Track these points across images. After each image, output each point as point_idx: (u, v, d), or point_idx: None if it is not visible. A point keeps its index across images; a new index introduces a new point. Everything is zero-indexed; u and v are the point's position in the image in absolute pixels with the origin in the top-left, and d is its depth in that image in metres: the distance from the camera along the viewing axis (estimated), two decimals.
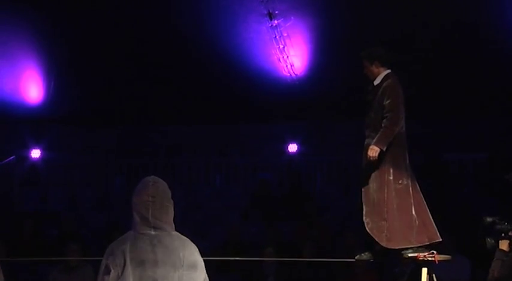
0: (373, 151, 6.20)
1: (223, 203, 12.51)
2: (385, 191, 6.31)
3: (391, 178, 6.31)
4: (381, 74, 6.47)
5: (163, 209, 4.04)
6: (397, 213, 6.31)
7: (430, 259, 6.34)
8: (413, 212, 6.33)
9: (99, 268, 3.97)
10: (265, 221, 11.50)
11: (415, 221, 6.32)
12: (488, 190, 11.40)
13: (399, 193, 6.32)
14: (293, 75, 11.25)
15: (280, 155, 12.81)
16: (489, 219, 6.34)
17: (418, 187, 6.46)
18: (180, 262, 3.97)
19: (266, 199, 11.90)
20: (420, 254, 6.36)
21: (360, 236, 8.58)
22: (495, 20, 10.24)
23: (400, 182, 6.32)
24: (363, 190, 6.40)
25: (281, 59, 10.98)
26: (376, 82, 6.47)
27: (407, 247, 6.34)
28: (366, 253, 6.58)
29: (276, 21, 10.36)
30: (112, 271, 3.88)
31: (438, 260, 6.35)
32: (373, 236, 6.31)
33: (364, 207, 6.36)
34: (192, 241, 4.16)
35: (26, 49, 11.06)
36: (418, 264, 6.42)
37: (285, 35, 10.57)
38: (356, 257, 6.70)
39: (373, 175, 6.36)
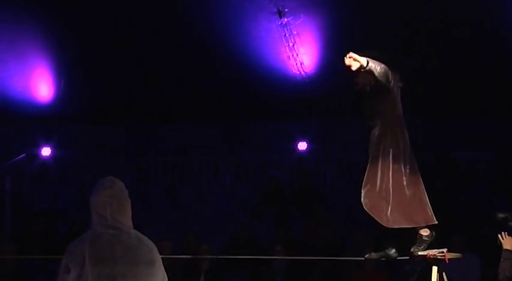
0: (359, 59, 6.15)
1: (232, 201, 12.52)
2: (385, 172, 6.34)
3: (390, 159, 6.35)
4: None
5: (121, 209, 4.13)
6: (395, 192, 6.34)
7: (440, 257, 6.33)
8: (409, 192, 6.34)
9: (59, 268, 4.05)
10: (274, 219, 11.51)
11: (412, 201, 6.34)
12: (498, 188, 11.38)
13: (395, 174, 6.36)
14: (303, 73, 11.25)
15: (289, 153, 12.81)
16: (501, 215, 6.33)
17: (417, 168, 6.46)
18: (138, 259, 4.06)
19: (276, 197, 11.90)
20: (430, 252, 6.35)
21: (370, 234, 8.60)
22: (506, 17, 10.21)
23: (397, 163, 6.36)
24: (367, 171, 6.45)
25: (291, 57, 10.97)
26: (368, 85, 6.50)
27: (407, 226, 6.34)
28: (376, 252, 6.58)
29: (285, 19, 10.36)
30: (72, 270, 3.96)
31: (448, 259, 6.35)
32: (373, 216, 6.33)
33: (362, 190, 6.41)
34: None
35: (36, 47, 11.09)
36: (428, 262, 6.41)
37: (295, 33, 10.57)
38: (366, 256, 6.70)
39: (373, 159, 6.40)
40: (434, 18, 10.25)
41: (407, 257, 6.66)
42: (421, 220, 6.36)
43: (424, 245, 6.38)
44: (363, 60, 6.16)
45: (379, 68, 6.22)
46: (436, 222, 6.38)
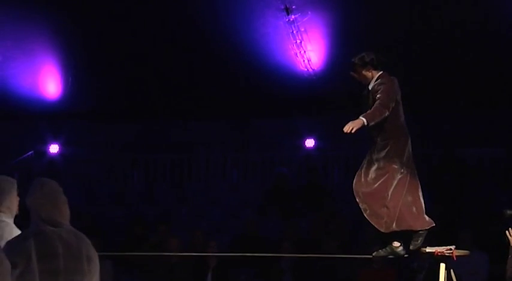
0: (357, 122, 6.18)
1: (240, 198, 12.53)
2: (389, 180, 6.35)
3: (395, 166, 6.36)
4: (374, 77, 6.50)
5: (56, 207, 4.32)
6: (398, 200, 6.36)
7: (448, 254, 6.33)
8: (411, 199, 6.37)
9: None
10: (282, 216, 11.51)
11: (413, 208, 6.37)
12: (507, 184, 11.36)
13: (400, 181, 6.37)
14: (310, 70, 11.24)
15: (297, 150, 12.80)
16: (510, 212, 6.32)
17: (416, 174, 6.49)
18: (79, 255, 4.23)
19: (283, 194, 11.90)
20: (438, 249, 6.36)
21: (378, 231, 8.58)
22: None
23: (401, 171, 6.37)
24: (358, 176, 6.46)
25: (298, 54, 10.96)
26: (370, 86, 6.50)
27: (408, 229, 6.37)
28: (384, 249, 6.58)
29: (293, 16, 10.35)
30: (18, 265, 4.07)
31: (456, 256, 6.34)
32: (372, 223, 6.37)
33: (359, 193, 6.43)
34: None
35: (44, 45, 11.11)
36: (436, 259, 6.41)
37: (302, 29, 10.56)
38: (374, 254, 6.70)
39: (376, 165, 6.40)
40: (442, 14, 10.23)
41: (415, 255, 6.67)
42: (419, 225, 6.38)
43: (421, 238, 6.42)
44: (361, 122, 6.17)
45: (380, 118, 6.23)
46: (433, 224, 6.40)
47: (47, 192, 4.32)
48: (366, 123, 6.18)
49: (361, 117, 6.20)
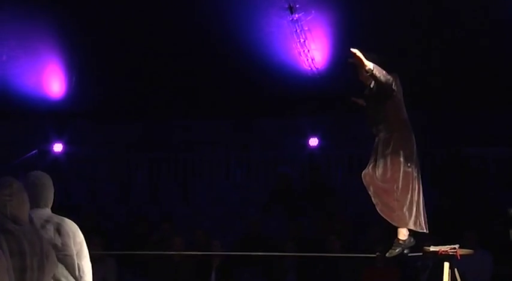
0: (365, 59, 6.18)
1: (243, 198, 12.53)
2: (398, 172, 6.36)
3: (402, 159, 6.37)
4: None
5: (20, 207, 4.40)
6: (404, 194, 6.37)
7: (452, 253, 6.33)
8: (415, 197, 6.38)
9: None
10: (286, 216, 11.50)
11: (415, 206, 6.38)
12: (510, 184, 11.34)
13: (406, 175, 6.38)
14: (314, 69, 11.23)
15: (301, 149, 12.80)
16: None
17: (420, 175, 6.51)
18: (41, 252, 4.36)
19: (287, 193, 11.89)
20: (442, 248, 6.35)
21: (382, 230, 8.58)
22: None
23: (408, 165, 6.39)
24: (367, 170, 6.47)
25: (302, 53, 10.95)
26: (372, 85, 6.50)
27: (413, 229, 6.38)
28: (394, 247, 6.58)
29: (296, 15, 10.34)
30: None
31: (460, 255, 6.34)
32: (384, 216, 6.39)
33: (370, 187, 6.45)
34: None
35: (48, 44, 11.12)
36: (440, 258, 6.41)
37: (306, 28, 10.54)
38: (387, 254, 6.69)
39: (383, 158, 6.42)
40: (445, 12, 10.21)
41: (419, 254, 6.67)
42: (422, 225, 6.39)
43: (399, 249, 6.44)
44: (369, 65, 6.19)
45: (383, 78, 6.25)
46: (427, 231, 6.42)
47: (15, 191, 4.39)
48: (371, 67, 6.17)
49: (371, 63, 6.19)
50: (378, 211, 6.42)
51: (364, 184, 6.52)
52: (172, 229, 10.60)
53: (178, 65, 11.37)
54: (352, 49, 6.20)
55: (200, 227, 10.76)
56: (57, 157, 12.97)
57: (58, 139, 12.84)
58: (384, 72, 6.27)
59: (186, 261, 9.89)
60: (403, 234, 6.43)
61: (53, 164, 12.88)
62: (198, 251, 9.58)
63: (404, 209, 6.36)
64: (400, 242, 6.45)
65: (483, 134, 12.03)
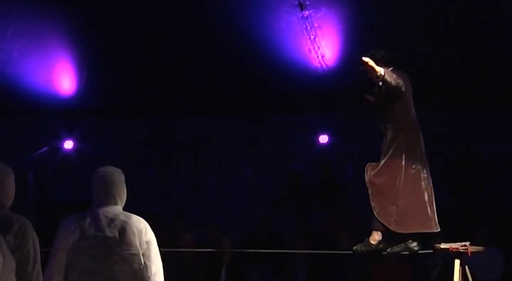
0: (376, 65, 6.20)
1: (253, 195, 12.54)
2: (397, 176, 6.34)
3: (403, 163, 6.34)
4: None
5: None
6: (409, 198, 6.34)
7: (462, 250, 6.31)
8: (426, 198, 6.36)
9: None
10: (296, 213, 11.50)
11: (427, 207, 6.36)
12: None
13: (412, 178, 6.35)
14: (324, 66, 11.21)
15: (311, 146, 12.79)
16: None
17: (429, 173, 6.48)
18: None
19: (297, 190, 11.89)
20: (453, 245, 6.34)
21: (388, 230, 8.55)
22: None
23: (413, 167, 6.36)
24: (368, 171, 6.47)
25: (312, 50, 10.93)
26: (381, 83, 6.48)
27: (417, 231, 6.37)
28: (398, 245, 6.57)
29: (307, 12, 10.31)
30: None
31: (471, 252, 6.33)
32: (381, 221, 6.38)
33: (369, 190, 6.45)
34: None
35: (59, 41, 11.14)
36: (451, 256, 6.40)
37: (316, 25, 10.52)
38: (388, 250, 6.70)
39: (384, 159, 6.40)
40: (458, 9, 10.18)
41: (430, 251, 6.66)
42: (433, 225, 6.37)
43: (369, 248, 6.52)
44: (380, 70, 6.18)
45: (394, 82, 6.23)
46: (439, 230, 6.41)
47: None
48: (382, 73, 6.18)
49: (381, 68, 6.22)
50: (375, 214, 6.41)
51: (367, 184, 6.52)
52: (183, 226, 10.62)
53: (188, 62, 11.38)
54: (363, 58, 6.19)
55: (210, 224, 10.77)
56: (67, 154, 13.00)
57: (69, 136, 12.87)
58: (395, 76, 6.26)
59: (196, 258, 9.91)
60: (374, 237, 6.46)
61: (64, 161, 12.92)
62: (209, 248, 9.60)
63: (406, 213, 6.33)
64: (371, 242, 6.46)
65: (493, 131, 11.99)
